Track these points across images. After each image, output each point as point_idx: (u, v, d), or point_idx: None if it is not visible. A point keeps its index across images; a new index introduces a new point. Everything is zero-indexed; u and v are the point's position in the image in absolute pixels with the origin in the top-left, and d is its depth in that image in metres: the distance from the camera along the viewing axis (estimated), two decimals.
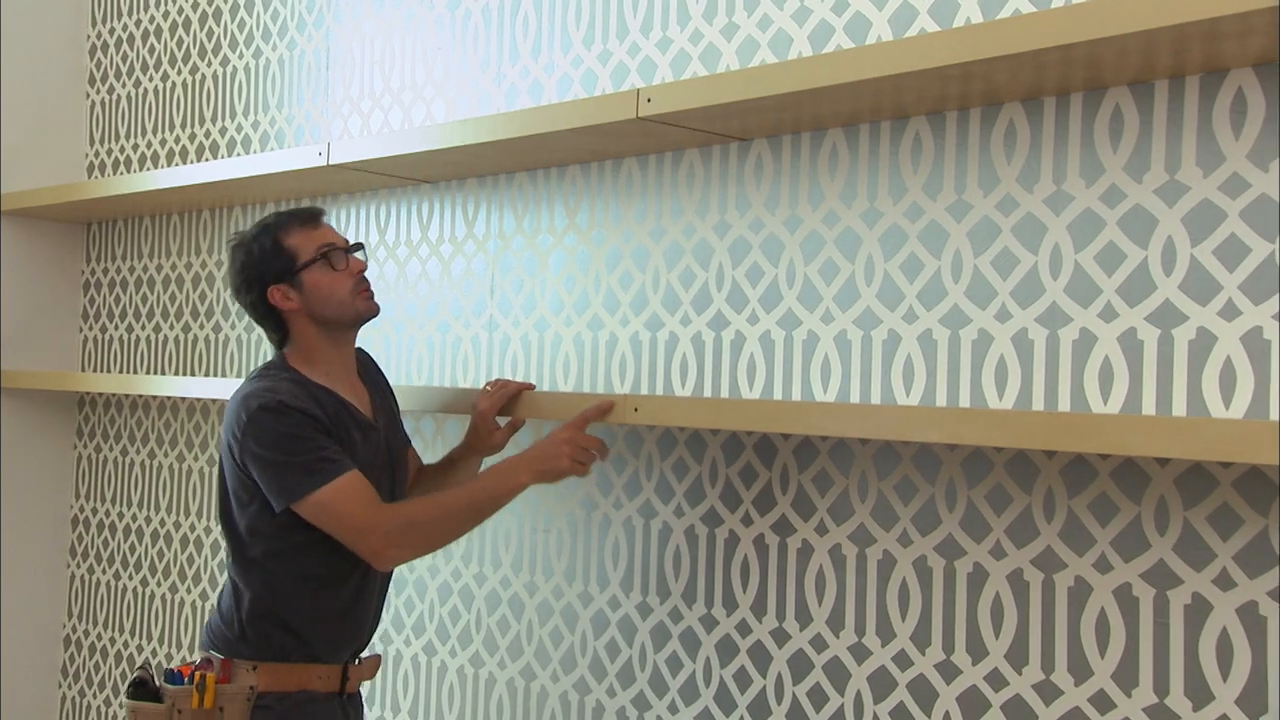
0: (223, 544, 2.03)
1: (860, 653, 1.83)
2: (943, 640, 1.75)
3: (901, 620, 1.79)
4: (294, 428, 1.86)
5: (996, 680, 1.69)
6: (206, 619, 2.07)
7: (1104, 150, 1.61)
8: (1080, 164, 1.63)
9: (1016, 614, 1.68)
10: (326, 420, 1.91)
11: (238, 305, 2.08)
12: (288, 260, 1.97)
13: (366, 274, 2.02)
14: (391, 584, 2.54)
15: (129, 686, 1.97)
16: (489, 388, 2.10)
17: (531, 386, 2.09)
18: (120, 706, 3.20)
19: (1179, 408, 1.54)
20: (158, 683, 1.96)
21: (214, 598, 2.05)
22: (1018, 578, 1.68)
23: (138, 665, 2.10)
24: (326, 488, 1.84)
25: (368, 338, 2.58)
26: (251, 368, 2.88)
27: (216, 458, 2.96)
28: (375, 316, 2.02)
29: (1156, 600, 1.56)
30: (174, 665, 2.00)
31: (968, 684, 1.72)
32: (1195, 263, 1.53)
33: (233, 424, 1.92)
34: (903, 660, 1.79)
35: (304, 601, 1.94)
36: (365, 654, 2.08)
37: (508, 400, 2.07)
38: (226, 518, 1.99)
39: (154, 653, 3.11)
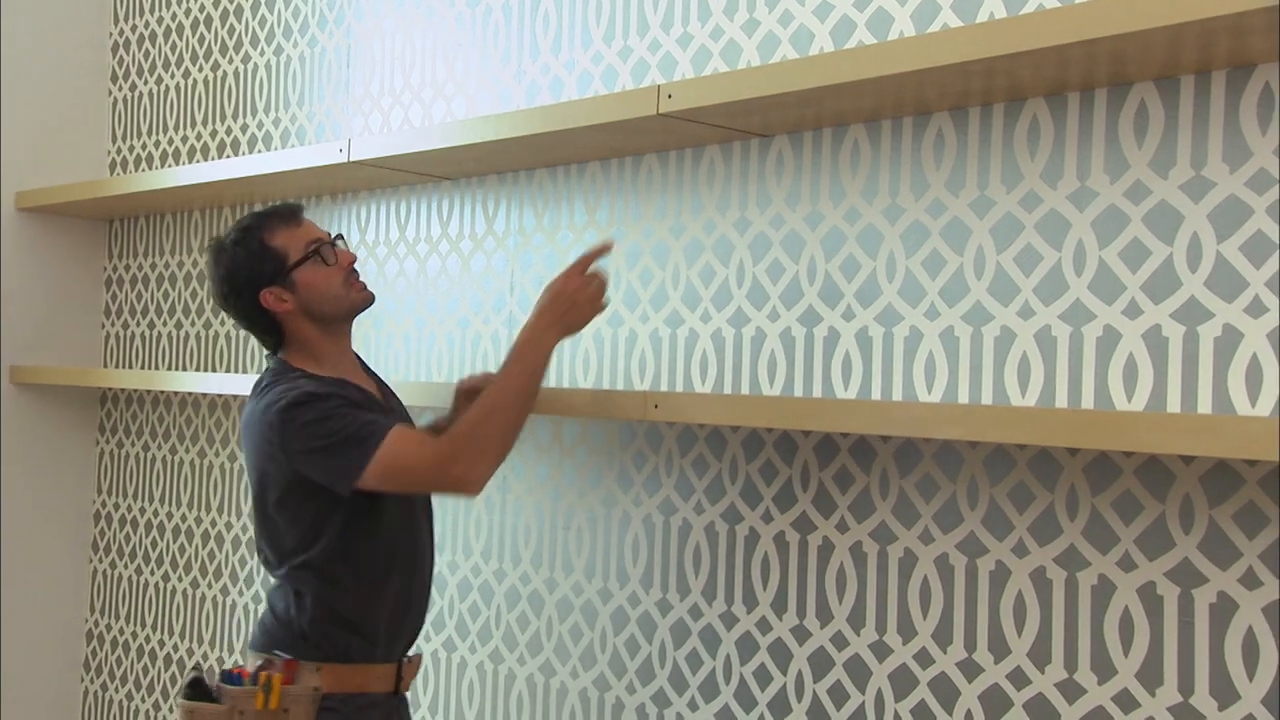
0: (266, 558, 1.97)
1: (881, 650, 1.83)
2: (964, 638, 1.74)
3: (923, 618, 1.78)
4: (326, 411, 1.83)
5: (1019, 679, 1.68)
6: (259, 618, 2.00)
7: (1129, 146, 1.60)
8: (1104, 160, 1.62)
9: (1039, 612, 1.67)
10: (354, 398, 1.89)
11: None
12: (277, 261, 1.93)
13: (355, 265, 2.00)
14: None
15: (184, 686, 1.91)
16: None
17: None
18: (154, 705, 3.22)
19: (1204, 405, 1.53)
20: (213, 683, 1.91)
21: (265, 599, 1.98)
22: (1040, 576, 1.67)
23: (190, 666, 2.03)
24: (381, 449, 1.79)
25: (388, 334, 2.59)
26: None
27: (238, 454, 2.97)
28: (369, 305, 2.01)
29: (1181, 599, 1.55)
30: (228, 666, 1.96)
31: (990, 682, 1.71)
32: (1221, 259, 1.52)
33: (265, 435, 1.87)
34: (924, 658, 1.78)
35: (364, 597, 1.91)
36: (411, 650, 2.06)
37: None
38: (271, 533, 1.93)
39: (175, 648, 3.13)
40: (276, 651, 1.91)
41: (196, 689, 1.90)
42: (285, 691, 1.86)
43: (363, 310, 2.01)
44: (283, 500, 1.90)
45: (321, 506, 1.87)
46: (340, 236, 2.02)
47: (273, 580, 1.99)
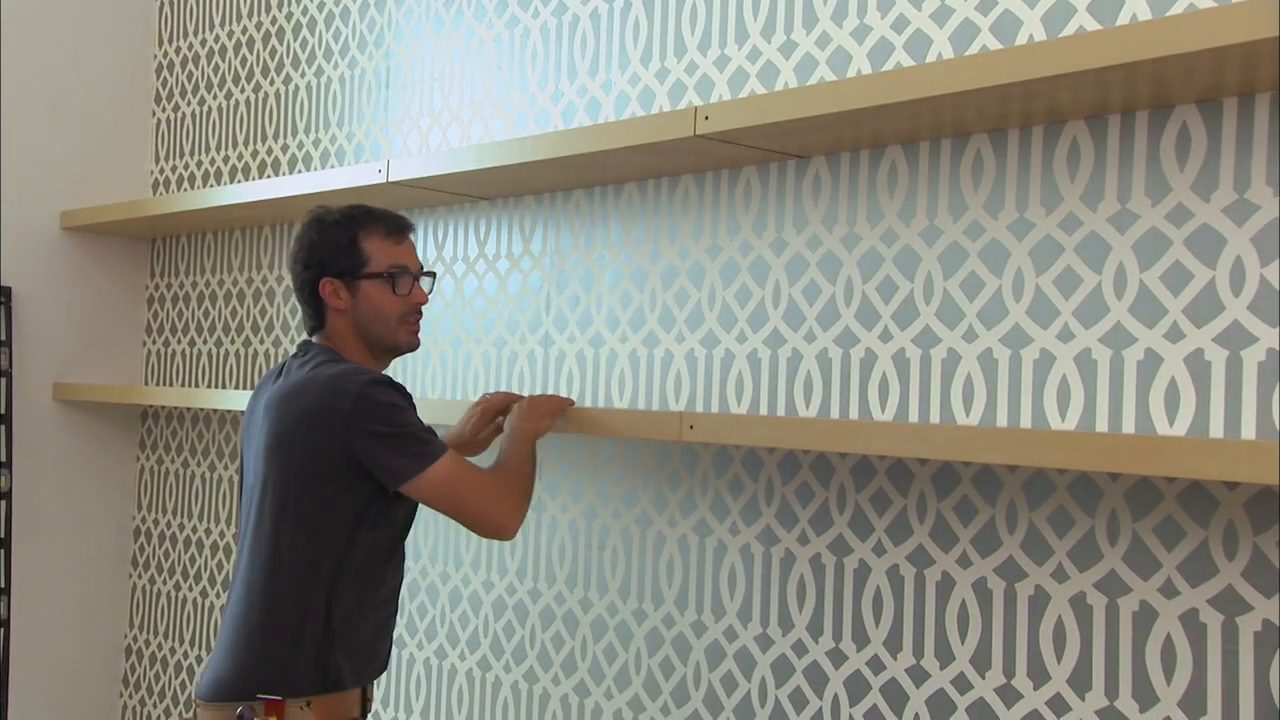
0: (267, 569, 1.86)
1: (918, 675, 1.81)
2: (1003, 664, 1.72)
3: (961, 643, 1.77)
4: (402, 403, 1.83)
5: (1059, 705, 1.67)
6: (234, 661, 1.86)
7: (1170, 169, 1.59)
8: (1146, 182, 1.61)
9: (1079, 638, 1.65)
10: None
11: (291, 276, 2.00)
12: (356, 262, 1.91)
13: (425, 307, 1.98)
14: (448, 597, 2.55)
15: None
16: (487, 396, 2.12)
17: (571, 402, 2.07)
18: (179, 718, 3.24)
19: (1248, 430, 1.51)
20: None
21: (242, 638, 1.88)
22: (1080, 601, 1.65)
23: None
24: (443, 461, 1.79)
25: (425, 353, 2.60)
26: None
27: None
28: (411, 351, 2.00)
29: (1225, 626, 1.53)
30: None
31: (1029, 709, 1.69)
32: (1265, 283, 1.50)
33: (331, 403, 1.78)
34: (962, 683, 1.76)
35: (369, 610, 1.89)
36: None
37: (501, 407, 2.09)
38: (294, 534, 1.83)
39: None
40: (260, 695, 1.80)
41: None
42: None
43: (402, 353, 1.99)
44: (322, 494, 1.81)
45: (367, 498, 1.83)
46: (431, 275, 2.02)
47: (260, 607, 1.85)
